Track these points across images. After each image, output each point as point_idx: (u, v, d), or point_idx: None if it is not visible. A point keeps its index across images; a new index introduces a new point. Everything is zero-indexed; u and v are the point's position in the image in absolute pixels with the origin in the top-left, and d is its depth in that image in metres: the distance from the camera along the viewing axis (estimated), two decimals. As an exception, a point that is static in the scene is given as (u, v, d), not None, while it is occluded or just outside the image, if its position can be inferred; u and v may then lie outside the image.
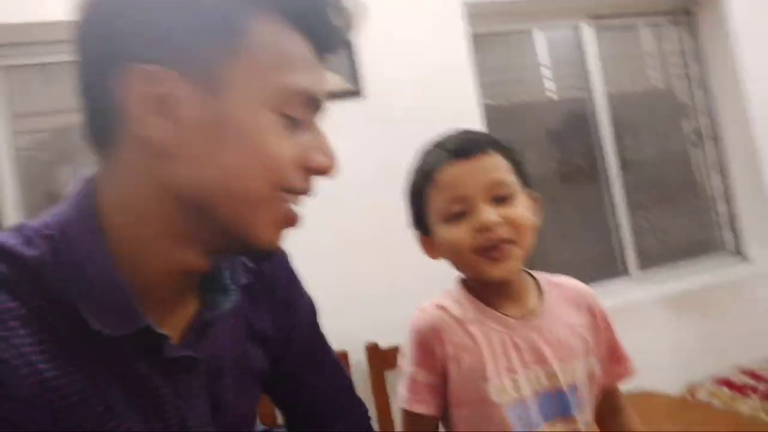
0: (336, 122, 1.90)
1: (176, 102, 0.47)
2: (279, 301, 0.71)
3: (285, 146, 0.51)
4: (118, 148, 0.50)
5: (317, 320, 0.82)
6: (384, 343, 1.89)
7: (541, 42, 2.46)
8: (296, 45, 0.52)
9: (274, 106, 0.50)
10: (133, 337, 0.50)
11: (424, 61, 2.06)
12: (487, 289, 0.82)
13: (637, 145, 2.58)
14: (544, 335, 0.80)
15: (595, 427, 0.86)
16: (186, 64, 0.47)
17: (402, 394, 0.84)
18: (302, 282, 0.78)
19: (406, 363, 0.84)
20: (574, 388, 0.80)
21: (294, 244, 1.85)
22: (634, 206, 2.51)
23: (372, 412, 1.83)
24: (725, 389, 2.18)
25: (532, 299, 0.84)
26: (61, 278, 0.48)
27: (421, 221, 0.86)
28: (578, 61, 2.49)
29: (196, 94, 0.47)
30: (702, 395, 2.14)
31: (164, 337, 0.52)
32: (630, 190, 2.51)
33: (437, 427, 0.85)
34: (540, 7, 2.38)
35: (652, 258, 2.53)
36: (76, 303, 0.48)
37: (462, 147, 0.80)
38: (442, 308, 0.83)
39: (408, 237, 2.10)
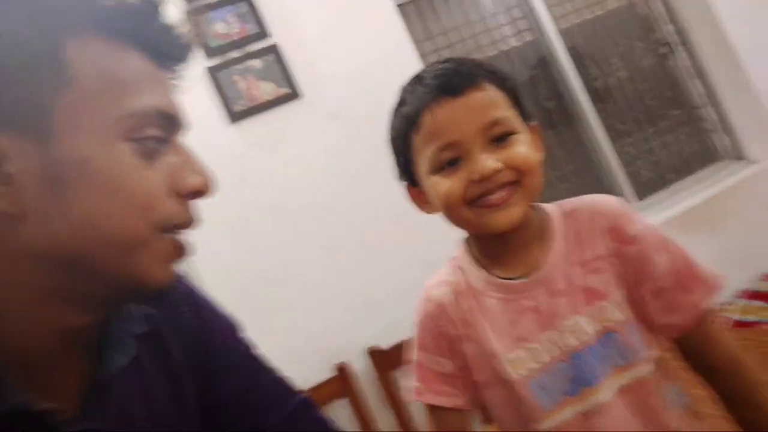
0: (280, 129, 1.89)
1: (5, 161, 0.42)
2: (189, 334, 0.64)
3: (147, 177, 0.46)
4: None
5: (239, 336, 0.72)
6: (385, 345, 1.81)
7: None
8: (131, 63, 0.46)
9: (123, 135, 0.45)
10: (13, 415, 0.44)
11: (358, 47, 1.96)
12: (488, 246, 0.73)
13: (606, 72, 2.44)
14: (556, 286, 0.69)
15: (672, 371, 0.71)
16: (6, 118, 0.42)
17: (410, 385, 0.75)
18: (210, 302, 0.70)
19: (414, 350, 0.75)
20: (609, 336, 0.68)
21: (271, 258, 1.77)
22: (616, 136, 2.38)
23: (389, 419, 1.79)
24: (756, 302, 2.06)
25: (541, 246, 0.71)
26: None
27: (407, 171, 0.74)
28: (522, 2, 2.36)
29: (25, 147, 0.42)
30: (735, 314, 2.02)
31: (49, 413, 0.46)
32: (609, 120, 2.38)
33: (468, 423, 0.75)
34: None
35: (648, 184, 2.40)
36: None
37: (449, 82, 0.67)
38: (447, 282, 0.74)
39: (387, 230, 1.99)
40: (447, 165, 0.67)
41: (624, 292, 0.69)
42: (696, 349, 0.71)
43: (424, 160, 0.69)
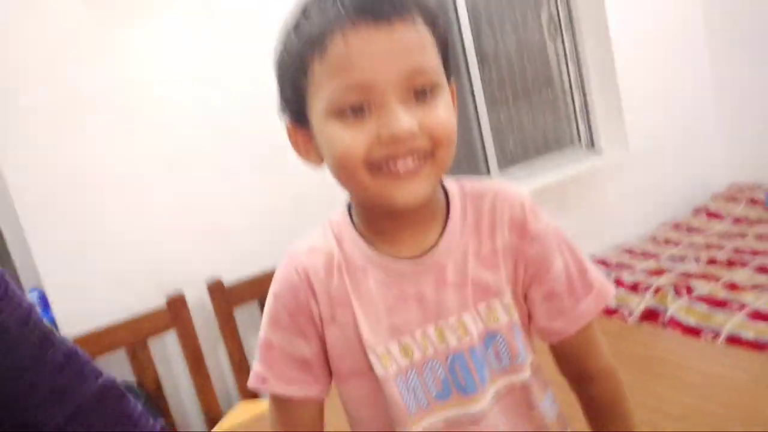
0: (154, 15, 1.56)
1: None
2: None
3: None
4: None
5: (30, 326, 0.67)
6: (230, 279, 1.65)
7: None
8: None
9: None
10: None
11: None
12: (376, 217, 0.60)
13: (496, 39, 2.42)
14: (445, 276, 0.60)
15: (543, 377, 0.67)
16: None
17: (256, 370, 0.63)
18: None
19: (265, 326, 0.63)
20: (493, 338, 0.61)
21: (103, 158, 1.50)
22: (493, 103, 2.40)
23: (224, 360, 1.66)
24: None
25: (435, 227, 0.61)
26: None
27: (296, 105, 0.58)
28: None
29: None
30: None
31: None
32: (489, 86, 2.38)
33: (321, 415, 0.66)
34: None
35: (513, 156, 2.48)
36: None
37: (373, 4, 0.51)
38: (319, 250, 0.61)
39: (250, 149, 1.81)
40: (350, 111, 0.52)
41: (514, 292, 0.62)
42: (571, 356, 0.67)
43: (321, 96, 0.54)
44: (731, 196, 2.80)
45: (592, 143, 2.64)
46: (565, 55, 2.58)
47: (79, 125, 1.50)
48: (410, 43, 0.52)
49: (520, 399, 0.63)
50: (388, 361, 0.59)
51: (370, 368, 0.59)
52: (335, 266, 0.60)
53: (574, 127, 2.65)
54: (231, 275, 1.65)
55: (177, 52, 1.61)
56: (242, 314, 1.66)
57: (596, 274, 0.65)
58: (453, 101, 0.59)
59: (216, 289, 1.63)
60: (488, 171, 2.38)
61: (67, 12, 1.47)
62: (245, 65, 1.59)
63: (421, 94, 0.53)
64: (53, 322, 1.47)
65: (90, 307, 1.50)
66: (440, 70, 0.55)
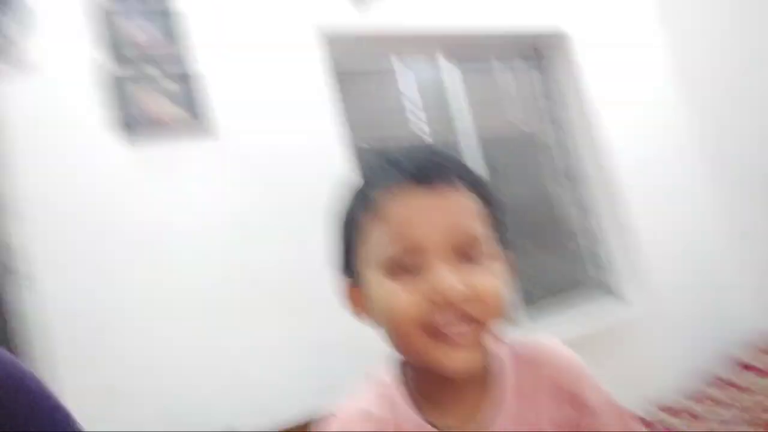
0: (184, 166, 1.67)
1: None
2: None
3: None
4: None
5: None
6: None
7: (406, 83, 2.35)
8: None
9: None
10: None
11: (282, 97, 1.84)
12: (427, 381, 0.58)
13: (507, 188, 2.52)
14: None
15: None
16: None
17: None
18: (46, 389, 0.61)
19: None
20: None
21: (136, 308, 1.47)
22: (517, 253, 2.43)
23: None
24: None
25: (481, 390, 0.59)
26: None
27: (348, 261, 0.60)
28: (443, 102, 2.41)
29: None
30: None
31: None
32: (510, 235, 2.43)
33: None
34: (400, 42, 2.27)
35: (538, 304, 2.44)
36: None
37: (425, 170, 0.55)
38: (370, 415, 0.58)
39: (275, 298, 1.78)
40: (399, 269, 0.53)
41: None
42: None
43: (371, 250, 0.56)
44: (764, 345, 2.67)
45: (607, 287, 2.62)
46: (577, 202, 2.67)
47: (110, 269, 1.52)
48: (458, 209, 0.55)
49: None
50: None
51: None
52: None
53: (589, 271, 2.65)
54: (247, 426, 1.54)
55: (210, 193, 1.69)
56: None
57: None
58: (507, 273, 0.59)
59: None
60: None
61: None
62: (279, 216, 1.67)
63: (467, 258, 0.54)
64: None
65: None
66: (489, 238, 0.56)
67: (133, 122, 1.56)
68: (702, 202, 2.88)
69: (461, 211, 0.55)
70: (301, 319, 1.66)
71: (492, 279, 0.54)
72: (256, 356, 1.64)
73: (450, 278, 0.51)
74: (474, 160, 2.38)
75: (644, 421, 2.21)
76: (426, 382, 0.58)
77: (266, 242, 1.69)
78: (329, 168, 1.75)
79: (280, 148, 1.78)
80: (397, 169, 0.55)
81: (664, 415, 2.24)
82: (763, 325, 2.79)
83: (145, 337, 1.53)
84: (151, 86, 1.59)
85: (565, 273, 2.60)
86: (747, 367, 2.55)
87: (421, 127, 2.34)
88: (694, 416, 2.20)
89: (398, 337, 0.54)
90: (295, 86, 1.88)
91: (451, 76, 2.43)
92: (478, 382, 0.59)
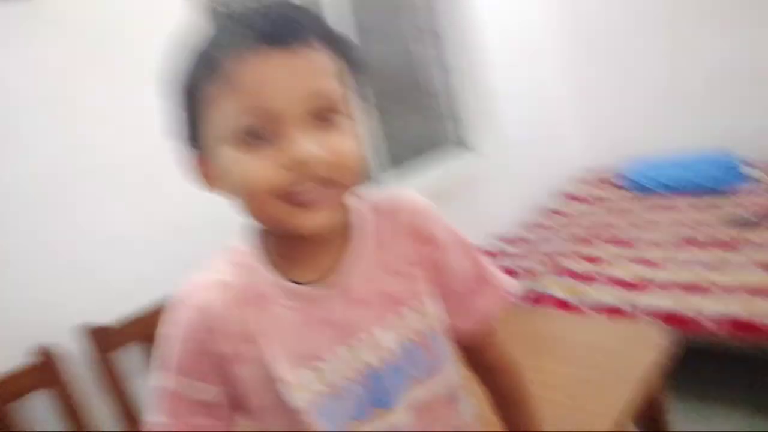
0: None
1: None
2: None
3: None
4: None
5: None
6: (104, 321, 1.51)
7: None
8: None
9: None
10: None
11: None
12: (284, 243, 0.59)
13: (371, 48, 2.47)
14: (354, 294, 0.59)
15: (464, 381, 0.69)
16: None
17: (155, 421, 0.59)
18: None
19: (162, 372, 0.59)
20: (411, 349, 0.61)
21: None
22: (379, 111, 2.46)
23: (108, 409, 1.48)
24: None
25: (345, 248, 0.61)
26: None
27: (192, 132, 0.56)
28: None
29: None
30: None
31: None
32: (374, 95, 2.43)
33: None
34: None
35: (395, 159, 2.54)
36: None
37: (277, 29, 0.50)
38: (224, 284, 0.58)
39: (117, 173, 1.65)
40: (251, 138, 0.51)
41: (430, 298, 0.63)
42: (478, 353, 0.72)
43: (218, 120, 0.52)
44: (588, 179, 3.10)
45: (464, 143, 2.78)
46: (439, 61, 2.71)
47: None
48: (313, 68, 0.52)
49: (440, 406, 0.65)
50: (300, 390, 0.58)
51: (283, 401, 0.57)
52: (244, 300, 0.58)
53: (448, 128, 2.78)
54: (103, 319, 1.51)
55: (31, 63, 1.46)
56: (122, 361, 1.53)
57: (494, 272, 0.69)
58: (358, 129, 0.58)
59: (92, 334, 1.50)
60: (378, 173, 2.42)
61: None
62: (110, 84, 1.50)
63: (324, 120, 0.52)
64: None
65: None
66: (346, 96, 0.55)
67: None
68: (554, 60, 3.10)
69: (318, 72, 0.52)
70: (150, 198, 1.59)
71: (350, 141, 0.54)
72: (104, 243, 1.57)
73: (308, 146, 0.50)
74: (341, 18, 2.27)
75: (487, 252, 2.53)
76: (285, 246, 0.59)
77: (97, 115, 1.53)
78: (165, 27, 1.54)
79: (107, 7, 1.55)
80: (247, 29, 0.50)
81: (502, 244, 2.58)
82: (588, 163, 3.20)
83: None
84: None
85: (428, 132, 2.70)
86: (572, 197, 2.96)
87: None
88: (526, 242, 2.55)
89: (255, 207, 0.54)
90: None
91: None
92: (339, 236, 0.61)
